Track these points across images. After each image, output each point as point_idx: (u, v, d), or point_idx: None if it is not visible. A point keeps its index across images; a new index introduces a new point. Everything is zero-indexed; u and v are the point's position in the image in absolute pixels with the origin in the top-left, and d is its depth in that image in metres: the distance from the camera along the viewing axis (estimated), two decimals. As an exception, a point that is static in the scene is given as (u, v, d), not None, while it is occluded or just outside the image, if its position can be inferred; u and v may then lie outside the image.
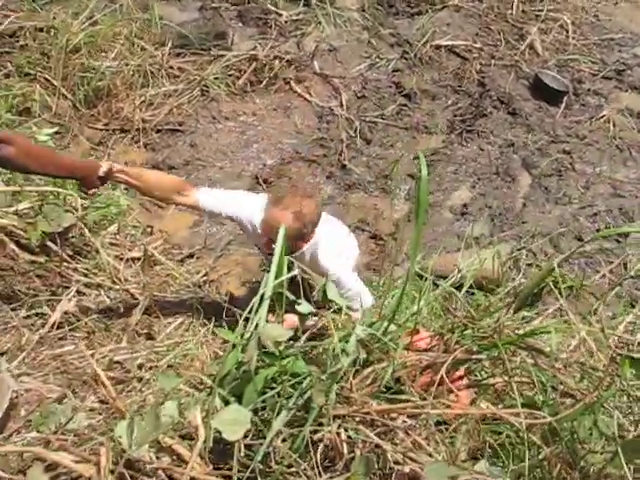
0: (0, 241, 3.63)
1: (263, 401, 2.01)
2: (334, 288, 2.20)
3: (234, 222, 3.60)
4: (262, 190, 5.46)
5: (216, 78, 6.00)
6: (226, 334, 2.20)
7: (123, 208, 4.47)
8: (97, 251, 3.99)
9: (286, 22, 6.78)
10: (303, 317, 2.12)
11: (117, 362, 2.95)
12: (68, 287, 3.56)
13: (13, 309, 3.23)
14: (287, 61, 6.28)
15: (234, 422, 1.90)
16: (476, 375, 2.46)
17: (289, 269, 3.47)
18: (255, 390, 2.02)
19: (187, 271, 4.45)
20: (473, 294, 4.27)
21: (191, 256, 4.75)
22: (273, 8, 6.91)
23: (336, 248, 3.51)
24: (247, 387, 2.05)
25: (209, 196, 3.46)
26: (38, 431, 2.21)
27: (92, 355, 2.98)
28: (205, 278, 4.48)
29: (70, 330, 3.19)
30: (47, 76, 5.49)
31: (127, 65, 5.69)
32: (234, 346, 2.14)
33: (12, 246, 3.66)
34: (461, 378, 2.38)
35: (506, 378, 2.24)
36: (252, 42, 6.47)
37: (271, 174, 5.58)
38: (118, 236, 4.39)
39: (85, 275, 3.81)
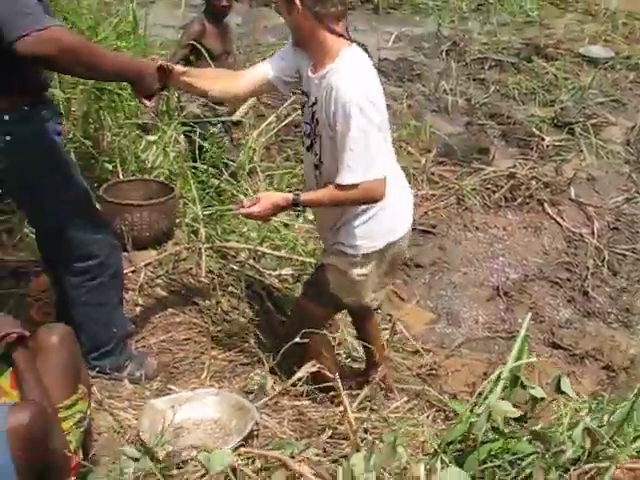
0: (259, 296, 4.07)
1: (482, 470, 2.13)
2: (567, 382, 2.29)
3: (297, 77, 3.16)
4: (502, 302, 5.58)
5: (473, 189, 6.25)
6: (456, 405, 2.36)
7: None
8: (340, 329, 4.29)
9: (548, 147, 6.96)
10: (536, 400, 2.22)
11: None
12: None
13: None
14: (544, 183, 6.42)
15: (454, 483, 2.04)
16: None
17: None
18: (477, 459, 2.15)
19: (414, 363, 4.62)
20: None
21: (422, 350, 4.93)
22: (537, 132, 7.15)
23: (365, 83, 2.91)
24: (470, 456, 2.19)
25: (265, 63, 3.19)
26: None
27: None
28: (431, 372, 4.63)
29: (309, 387, 3.46)
30: (320, 164, 6.04)
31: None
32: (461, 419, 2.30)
33: (269, 304, 4.08)
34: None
35: None
36: (512, 161, 6.70)
37: (513, 288, 5.68)
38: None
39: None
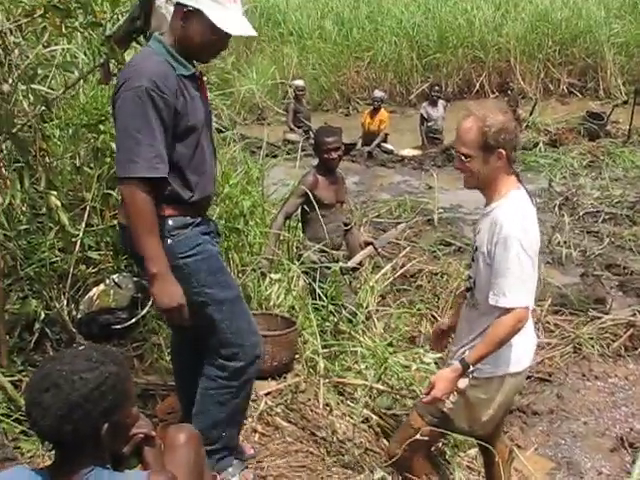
0: (373, 431, 4.11)
1: None
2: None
3: None
4: (627, 454, 5.35)
5: (591, 338, 6.16)
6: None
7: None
8: (453, 470, 4.25)
9: (668, 297, 6.85)
10: None
11: None
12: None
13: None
14: (665, 333, 6.28)
15: None
16: None
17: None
18: None
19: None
20: None
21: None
22: (656, 283, 7.06)
23: (525, 220, 3.12)
24: None
25: None
26: None
27: None
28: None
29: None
30: (434, 314, 6.13)
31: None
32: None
33: (383, 439, 4.11)
34: None
35: None
36: (630, 310, 6.61)
37: (638, 439, 5.46)
38: (475, 461, 4.60)
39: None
